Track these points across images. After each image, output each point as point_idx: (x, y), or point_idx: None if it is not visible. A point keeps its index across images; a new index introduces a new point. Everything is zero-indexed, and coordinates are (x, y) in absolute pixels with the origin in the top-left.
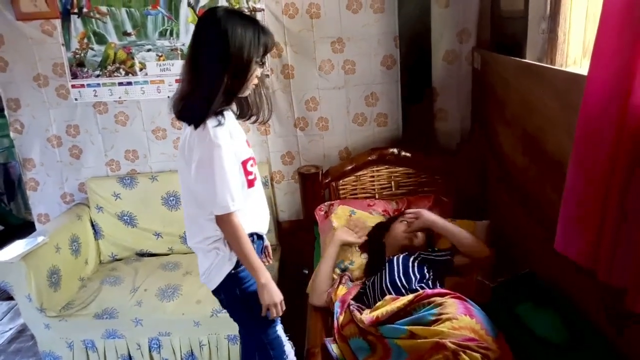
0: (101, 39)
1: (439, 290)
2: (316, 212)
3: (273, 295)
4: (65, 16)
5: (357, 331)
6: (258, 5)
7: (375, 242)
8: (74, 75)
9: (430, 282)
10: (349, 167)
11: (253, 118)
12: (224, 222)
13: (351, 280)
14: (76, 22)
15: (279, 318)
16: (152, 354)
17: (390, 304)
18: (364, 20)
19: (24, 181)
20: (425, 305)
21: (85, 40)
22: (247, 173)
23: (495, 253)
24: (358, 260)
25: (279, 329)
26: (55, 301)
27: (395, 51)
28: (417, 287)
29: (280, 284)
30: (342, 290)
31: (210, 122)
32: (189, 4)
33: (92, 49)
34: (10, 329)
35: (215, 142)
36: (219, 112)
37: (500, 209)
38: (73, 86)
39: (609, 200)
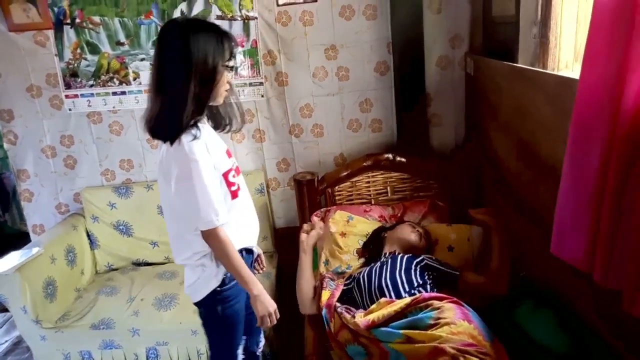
0: (94, 49)
1: (436, 294)
2: (312, 219)
3: (267, 305)
4: (58, 27)
5: (351, 337)
6: (251, 14)
7: (376, 235)
8: (68, 86)
9: (428, 288)
10: (345, 173)
11: (227, 128)
12: (211, 237)
13: (332, 280)
14: (69, 33)
15: (243, 341)
16: None
17: (386, 308)
18: (357, 27)
19: (19, 192)
20: (423, 309)
21: (79, 51)
22: (229, 184)
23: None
24: (355, 264)
25: (240, 352)
26: (51, 312)
27: (389, 57)
28: (415, 292)
29: (277, 290)
30: (325, 295)
31: (185, 137)
32: (182, 13)
33: (86, 59)
34: (6, 341)
35: (192, 157)
36: (194, 125)
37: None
38: (67, 96)
39: (604, 203)
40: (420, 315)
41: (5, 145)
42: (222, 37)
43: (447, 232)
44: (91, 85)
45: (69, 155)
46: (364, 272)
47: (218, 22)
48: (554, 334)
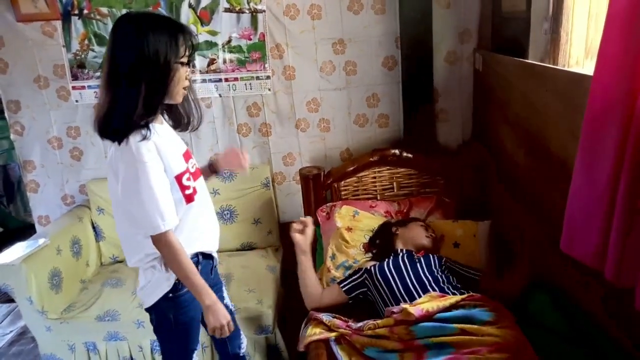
0: (102, 40)
1: (487, 298)
2: (318, 213)
3: (219, 317)
4: (66, 17)
5: (367, 340)
6: (259, 7)
7: (384, 230)
8: (75, 77)
9: (453, 288)
10: (351, 168)
11: (187, 126)
12: (159, 242)
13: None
14: (77, 24)
15: (196, 351)
16: (154, 355)
17: (440, 300)
18: (365, 22)
19: (25, 183)
20: (477, 306)
21: (86, 42)
22: (182, 188)
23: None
24: (361, 258)
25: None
26: (56, 303)
27: (397, 52)
28: (445, 288)
29: (282, 284)
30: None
31: (134, 137)
32: (190, 5)
33: (93, 50)
34: (11, 331)
35: (139, 159)
36: (144, 125)
37: (502, 209)
38: (74, 88)
39: (616, 200)
40: (474, 311)
41: (12, 136)
42: (176, 31)
43: (453, 228)
44: (98, 77)
45: (75, 146)
46: (378, 267)
47: (226, 15)
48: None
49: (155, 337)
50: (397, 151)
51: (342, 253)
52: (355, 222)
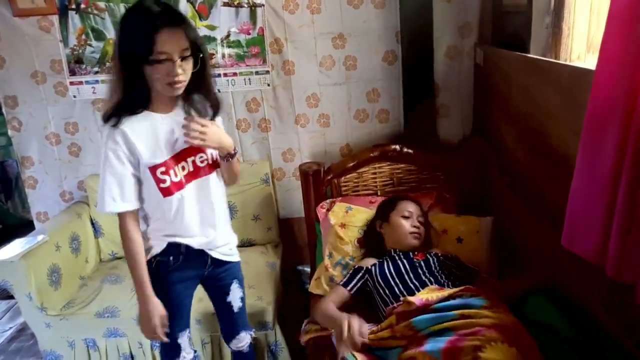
0: (99, 35)
1: (483, 291)
2: (318, 210)
3: (142, 318)
4: (63, 12)
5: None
6: (258, 1)
7: (372, 233)
8: (72, 72)
9: (452, 284)
10: (351, 164)
11: (207, 116)
12: (119, 221)
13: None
14: (74, 18)
15: (183, 332)
16: (154, 352)
17: (439, 291)
18: (365, 16)
19: (23, 179)
20: (473, 295)
21: (84, 37)
22: (157, 180)
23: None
24: (357, 255)
25: (184, 341)
26: (55, 300)
27: (397, 47)
28: (446, 286)
29: (281, 282)
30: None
31: (109, 124)
32: (188, 0)
33: (91, 45)
34: (10, 327)
35: (104, 143)
36: (116, 114)
37: (503, 205)
38: (71, 83)
39: (618, 195)
40: (471, 299)
41: (10, 132)
42: (153, 32)
43: (457, 223)
44: (96, 72)
45: (73, 142)
46: (379, 270)
47: (224, 9)
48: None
49: None
50: (397, 147)
51: (338, 251)
52: (349, 218)
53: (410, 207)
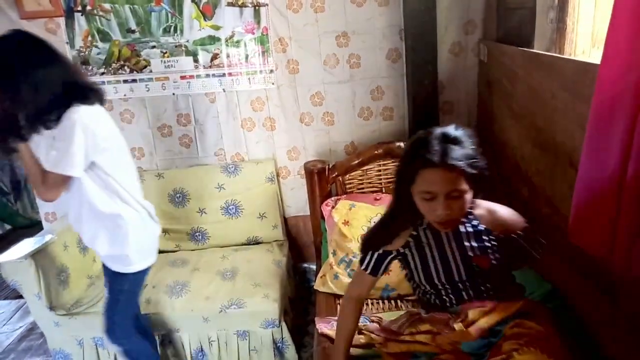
0: (105, 37)
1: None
2: (323, 207)
3: None
4: (69, 14)
5: (405, 348)
6: (262, 0)
7: (403, 197)
8: None
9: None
10: (356, 162)
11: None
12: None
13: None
14: (80, 20)
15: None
16: (162, 350)
17: (489, 316)
18: (368, 14)
19: None
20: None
21: (90, 38)
22: None
23: None
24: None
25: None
26: (64, 299)
27: (401, 44)
28: (482, 288)
29: (287, 279)
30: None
31: None
32: (193, 0)
33: (97, 46)
34: (20, 327)
35: None
36: None
37: (508, 201)
38: None
39: (623, 189)
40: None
41: None
42: None
43: None
44: (102, 73)
45: None
46: (420, 259)
47: (229, 9)
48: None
49: (163, 332)
50: (402, 144)
51: (342, 249)
52: (352, 215)
53: (434, 184)
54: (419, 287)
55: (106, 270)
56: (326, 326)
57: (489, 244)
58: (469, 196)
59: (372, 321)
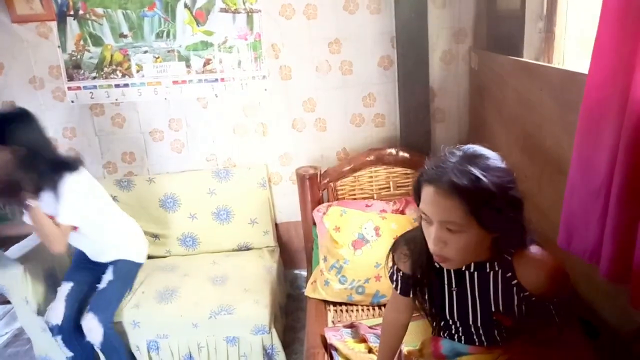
0: (97, 41)
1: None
2: (314, 213)
3: None
4: (61, 18)
5: None
6: (255, 6)
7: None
8: (70, 78)
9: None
10: (347, 168)
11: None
12: None
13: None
14: (72, 24)
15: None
16: (151, 354)
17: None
18: (360, 21)
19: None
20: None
21: (82, 42)
22: None
23: None
24: (352, 259)
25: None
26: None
27: (392, 51)
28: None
29: (277, 285)
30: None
31: None
32: (186, 6)
33: (89, 50)
34: (6, 333)
35: None
36: None
37: None
38: (69, 88)
39: (612, 196)
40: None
41: None
42: None
43: None
44: (94, 78)
45: (71, 147)
46: (436, 293)
47: (222, 15)
48: None
49: (151, 338)
50: (393, 151)
51: (332, 255)
52: (344, 221)
53: (427, 205)
54: (432, 317)
55: (123, 263)
56: (335, 335)
57: (516, 302)
58: (472, 237)
59: (351, 325)
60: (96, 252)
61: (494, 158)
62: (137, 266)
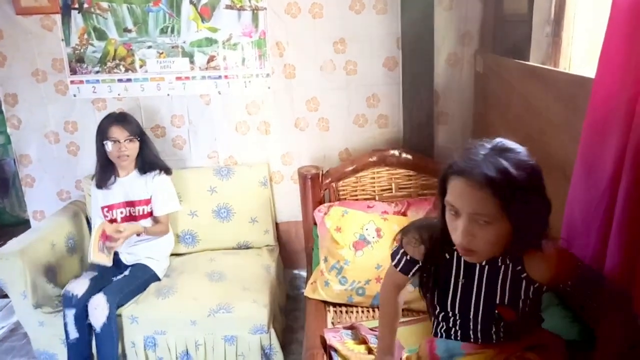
0: (101, 35)
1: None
2: (315, 213)
3: None
4: (66, 11)
5: None
6: (260, 4)
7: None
8: (73, 71)
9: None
10: (350, 168)
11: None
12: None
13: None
14: (76, 18)
15: None
16: (147, 352)
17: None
18: (366, 21)
19: (20, 177)
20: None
21: (85, 36)
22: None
23: None
24: (353, 259)
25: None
26: (50, 298)
27: (398, 53)
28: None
29: (276, 285)
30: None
31: None
32: (191, 2)
33: (92, 44)
34: (3, 327)
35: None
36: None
37: None
38: (72, 82)
39: (615, 204)
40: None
41: (9, 130)
42: (103, 124)
43: None
44: (97, 72)
45: (72, 141)
46: (441, 283)
47: (227, 12)
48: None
49: (149, 333)
50: (396, 152)
51: (333, 256)
52: (345, 221)
53: (457, 198)
54: (433, 307)
55: (146, 269)
56: (334, 336)
57: (523, 295)
58: (501, 231)
59: (351, 327)
60: (133, 257)
61: (523, 152)
62: (154, 279)
